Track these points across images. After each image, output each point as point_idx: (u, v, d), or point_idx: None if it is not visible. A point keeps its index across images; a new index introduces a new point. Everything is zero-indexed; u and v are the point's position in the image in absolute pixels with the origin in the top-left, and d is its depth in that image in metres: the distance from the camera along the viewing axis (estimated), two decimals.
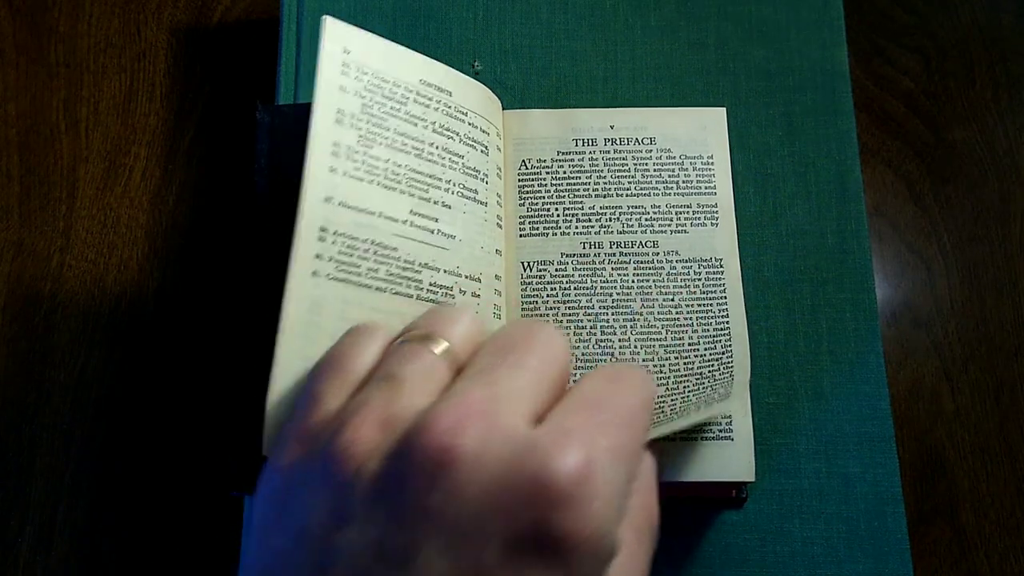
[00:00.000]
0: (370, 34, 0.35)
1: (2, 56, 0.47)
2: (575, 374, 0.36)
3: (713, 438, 0.35)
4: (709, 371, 0.35)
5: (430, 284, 0.34)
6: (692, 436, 0.35)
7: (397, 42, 0.42)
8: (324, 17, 0.34)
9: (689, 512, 0.38)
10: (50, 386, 0.42)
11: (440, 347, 0.27)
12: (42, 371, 0.42)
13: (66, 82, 0.47)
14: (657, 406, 0.35)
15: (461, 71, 0.42)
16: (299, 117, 0.35)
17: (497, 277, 0.37)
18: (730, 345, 0.35)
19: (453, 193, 0.35)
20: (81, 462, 0.41)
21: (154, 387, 0.42)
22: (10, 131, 0.46)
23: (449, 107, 0.36)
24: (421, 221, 0.34)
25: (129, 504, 0.40)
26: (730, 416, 0.35)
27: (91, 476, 0.41)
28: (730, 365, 0.35)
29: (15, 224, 0.45)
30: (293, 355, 0.31)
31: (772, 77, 0.42)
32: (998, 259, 0.46)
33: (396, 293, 0.33)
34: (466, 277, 0.35)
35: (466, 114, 0.37)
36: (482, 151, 0.37)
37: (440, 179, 0.35)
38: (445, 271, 0.35)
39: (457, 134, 0.36)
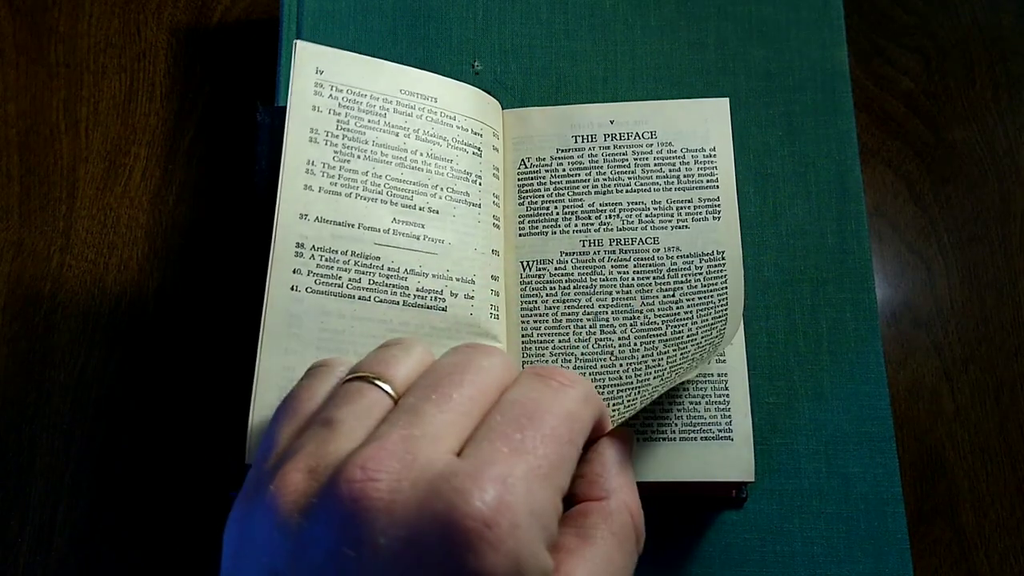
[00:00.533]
0: (345, 52, 0.36)
1: (2, 56, 0.47)
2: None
3: (713, 438, 0.35)
4: (704, 356, 0.35)
5: (417, 290, 0.35)
6: (691, 436, 0.35)
7: (397, 42, 0.42)
8: (295, 41, 0.36)
9: (689, 512, 0.38)
10: (50, 386, 0.42)
11: (382, 386, 0.27)
12: (42, 371, 0.42)
13: (66, 82, 0.47)
14: (656, 407, 0.35)
15: (461, 71, 0.42)
16: None
17: (494, 278, 0.37)
18: (724, 329, 0.35)
19: (441, 198, 0.36)
20: (81, 462, 0.41)
21: (154, 387, 0.42)
22: (10, 131, 0.46)
23: (434, 113, 0.37)
24: (405, 228, 0.35)
25: (129, 504, 0.40)
26: (729, 417, 0.35)
27: (91, 476, 0.41)
28: (728, 367, 0.35)
29: (15, 224, 0.45)
30: (274, 367, 0.32)
31: (772, 77, 0.42)
32: (998, 259, 0.46)
33: (381, 301, 0.34)
34: (457, 280, 0.35)
35: (454, 118, 0.37)
36: (474, 153, 0.37)
37: (426, 185, 0.36)
38: (433, 275, 0.35)
39: (444, 139, 0.37)
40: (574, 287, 0.37)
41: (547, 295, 0.37)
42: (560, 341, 0.36)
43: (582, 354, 0.36)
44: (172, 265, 0.44)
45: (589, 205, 0.38)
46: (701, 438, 0.35)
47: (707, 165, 0.38)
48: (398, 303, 0.34)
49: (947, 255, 0.46)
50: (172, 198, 0.45)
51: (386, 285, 0.34)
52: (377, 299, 0.34)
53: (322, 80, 0.35)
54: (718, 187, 0.38)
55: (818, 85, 0.42)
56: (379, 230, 0.35)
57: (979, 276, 0.45)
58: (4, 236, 0.44)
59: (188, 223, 0.45)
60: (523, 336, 0.37)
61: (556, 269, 0.37)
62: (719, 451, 0.34)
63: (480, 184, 0.37)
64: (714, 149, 0.38)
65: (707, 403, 0.35)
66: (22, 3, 0.48)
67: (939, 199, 0.47)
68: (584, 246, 0.38)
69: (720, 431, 0.35)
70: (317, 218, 0.34)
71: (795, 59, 0.43)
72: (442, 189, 0.36)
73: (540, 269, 0.38)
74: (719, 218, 0.37)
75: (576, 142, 0.39)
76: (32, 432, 0.41)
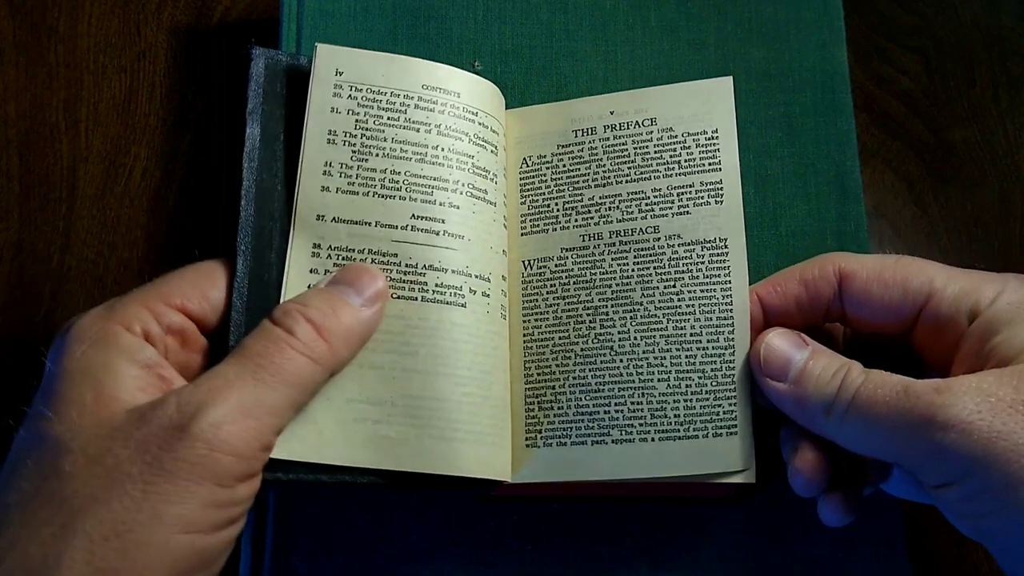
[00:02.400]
0: (366, 51, 0.36)
1: (2, 56, 0.47)
2: (574, 370, 0.36)
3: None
4: (712, 370, 0.34)
5: (436, 285, 0.35)
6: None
7: (397, 41, 0.42)
8: (317, 44, 0.36)
9: (689, 512, 0.38)
10: None
11: None
12: (42, 372, 0.42)
13: (66, 82, 0.47)
14: (658, 407, 0.35)
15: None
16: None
17: (503, 278, 0.37)
18: (732, 339, 0.35)
19: (462, 193, 0.36)
20: None
21: None
22: (10, 131, 0.46)
23: (457, 108, 0.36)
24: (424, 224, 0.35)
25: None
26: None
27: None
28: (732, 365, 0.34)
29: (15, 224, 0.45)
30: None
31: (772, 77, 0.42)
32: (998, 260, 0.46)
33: (399, 297, 0.34)
34: (476, 276, 0.35)
35: (476, 114, 0.37)
36: (492, 151, 0.37)
37: (447, 180, 0.36)
38: (453, 271, 0.35)
39: (466, 134, 0.37)
40: (574, 283, 0.37)
41: (547, 292, 0.37)
42: (560, 338, 0.36)
43: (582, 350, 0.36)
44: (172, 265, 0.44)
45: (589, 199, 0.38)
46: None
47: (709, 148, 0.37)
48: (416, 299, 0.35)
49: (947, 255, 0.46)
50: (172, 198, 0.45)
51: (403, 281, 0.35)
52: (394, 295, 0.34)
53: (341, 81, 0.36)
54: (720, 169, 0.37)
55: (818, 85, 0.42)
56: (396, 227, 0.35)
57: None
58: (4, 236, 0.44)
59: (188, 223, 0.45)
60: (524, 335, 0.37)
61: (556, 266, 0.37)
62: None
63: (496, 182, 0.37)
64: (716, 131, 0.37)
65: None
66: (22, 3, 0.48)
67: (939, 199, 0.47)
68: (584, 241, 0.37)
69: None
70: (334, 218, 0.35)
71: (795, 59, 0.43)
72: (463, 185, 0.36)
73: (541, 267, 0.38)
74: (721, 202, 0.37)
75: (576, 136, 0.39)
76: None
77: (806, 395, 0.32)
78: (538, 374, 0.36)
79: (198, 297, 0.33)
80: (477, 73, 0.42)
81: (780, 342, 0.33)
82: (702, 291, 0.36)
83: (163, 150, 0.46)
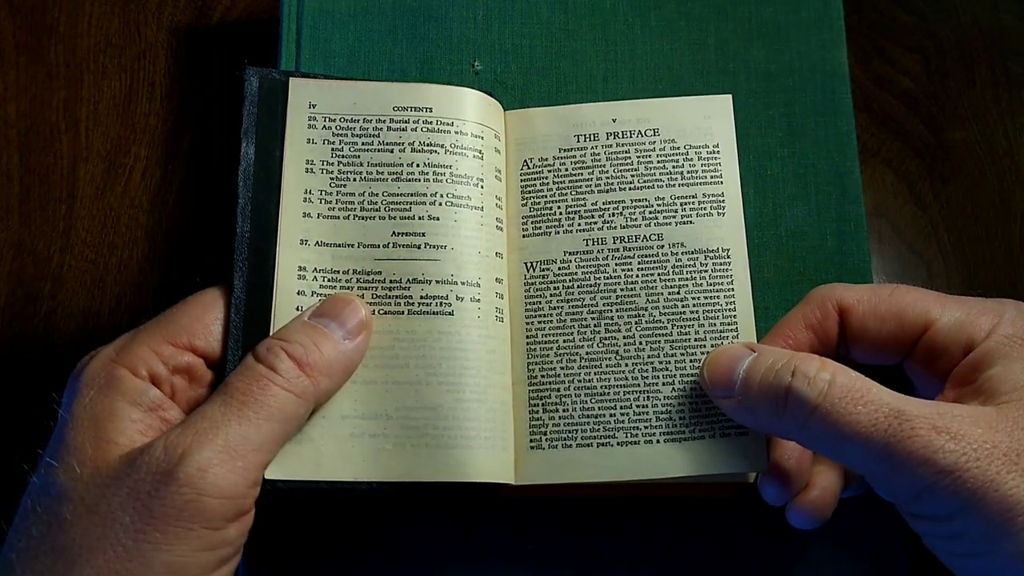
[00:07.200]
0: (338, 81, 0.38)
1: (2, 56, 0.47)
2: (578, 373, 0.36)
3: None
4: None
5: (421, 297, 0.35)
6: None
7: (396, 42, 0.42)
8: (290, 79, 0.37)
9: (689, 512, 0.38)
10: (50, 387, 0.42)
11: None
12: (42, 371, 0.42)
13: (66, 82, 0.47)
14: (664, 411, 0.35)
15: (461, 71, 0.42)
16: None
17: (498, 280, 0.37)
18: (736, 344, 0.35)
19: (441, 204, 0.36)
20: None
21: None
22: (10, 131, 0.46)
23: (429, 123, 0.37)
24: (405, 240, 0.36)
25: None
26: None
27: None
28: None
29: (15, 224, 0.45)
30: None
31: (772, 77, 0.42)
32: (998, 259, 0.46)
33: (385, 313, 0.35)
34: (463, 283, 0.36)
35: (451, 124, 0.37)
36: (475, 156, 0.37)
37: (424, 194, 0.36)
38: (437, 281, 0.35)
39: (441, 146, 0.37)
40: (578, 286, 0.37)
41: (551, 295, 0.37)
42: (564, 341, 0.36)
43: (587, 353, 0.36)
44: (172, 265, 0.44)
45: (592, 204, 0.38)
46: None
47: (711, 161, 0.38)
48: (403, 313, 0.35)
49: (947, 255, 0.46)
50: (172, 198, 0.45)
51: (389, 297, 0.35)
52: (381, 311, 0.35)
53: (315, 113, 0.37)
54: (722, 183, 0.38)
55: (818, 85, 0.42)
56: (378, 246, 0.36)
57: (979, 276, 0.45)
58: (4, 236, 0.44)
59: (188, 223, 0.45)
60: (527, 337, 0.37)
61: (560, 269, 0.37)
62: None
63: (482, 187, 0.37)
64: (717, 146, 0.38)
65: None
66: (22, 3, 0.48)
67: (939, 199, 0.47)
68: (588, 245, 0.38)
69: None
70: (317, 242, 0.36)
71: (795, 59, 0.43)
72: (441, 196, 0.36)
73: (544, 270, 0.38)
74: (723, 214, 0.37)
75: (578, 141, 0.39)
76: (33, 434, 0.41)
77: (752, 400, 0.31)
78: (542, 376, 0.36)
79: (203, 332, 0.33)
80: (476, 73, 0.42)
81: (723, 356, 0.33)
82: (706, 298, 0.36)
83: (163, 150, 0.46)
